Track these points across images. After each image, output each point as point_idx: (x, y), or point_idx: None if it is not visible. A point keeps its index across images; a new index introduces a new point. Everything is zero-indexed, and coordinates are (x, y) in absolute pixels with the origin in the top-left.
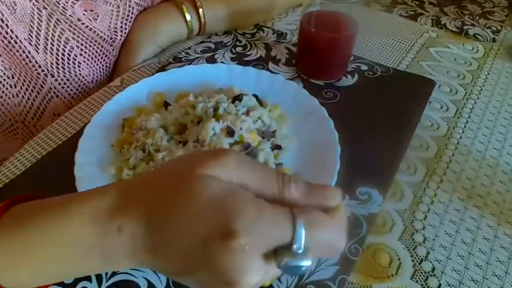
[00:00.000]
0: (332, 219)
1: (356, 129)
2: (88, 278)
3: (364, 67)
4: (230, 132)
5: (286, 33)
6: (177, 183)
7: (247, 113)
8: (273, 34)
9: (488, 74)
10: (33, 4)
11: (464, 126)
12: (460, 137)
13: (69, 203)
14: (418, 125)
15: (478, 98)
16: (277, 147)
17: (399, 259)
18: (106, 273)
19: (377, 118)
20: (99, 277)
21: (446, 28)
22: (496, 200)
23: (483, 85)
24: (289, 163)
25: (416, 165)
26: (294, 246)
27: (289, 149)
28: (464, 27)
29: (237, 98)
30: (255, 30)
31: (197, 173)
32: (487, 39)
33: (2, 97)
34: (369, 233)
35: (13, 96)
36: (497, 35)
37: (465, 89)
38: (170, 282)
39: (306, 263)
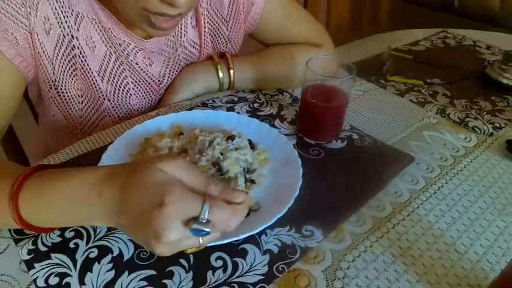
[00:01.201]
0: (229, 206)
1: (325, 182)
2: (80, 236)
3: (355, 136)
4: (214, 163)
5: (299, 99)
6: (141, 170)
7: (235, 149)
8: (289, 98)
9: (471, 161)
10: (107, 49)
11: (426, 199)
12: (417, 207)
13: (71, 173)
14: (382, 190)
15: (450, 179)
16: (251, 181)
17: (316, 285)
18: (94, 236)
19: (347, 177)
20: (88, 238)
21: (448, 117)
22: (425, 263)
23: (461, 170)
24: (255, 194)
25: (366, 220)
26: (200, 217)
27: (261, 185)
28: (466, 119)
29: (230, 138)
30: (276, 93)
31: (153, 166)
32: (485, 133)
33: (71, 109)
34: (299, 260)
35: (79, 110)
36: (497, 131)
37: (441, 170)
38: (135, 254)
39: (207, 229)
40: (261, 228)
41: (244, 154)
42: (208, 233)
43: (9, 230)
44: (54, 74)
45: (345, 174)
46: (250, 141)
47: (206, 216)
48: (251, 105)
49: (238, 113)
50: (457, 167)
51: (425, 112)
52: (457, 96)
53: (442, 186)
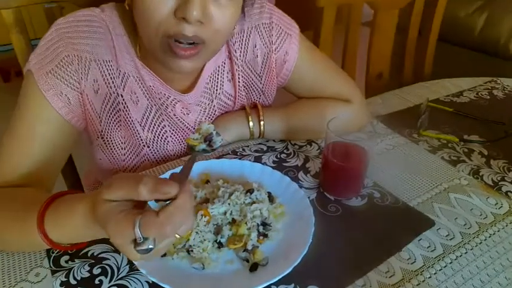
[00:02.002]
0: (161, 218)
1: (338, 241)
2: (105, 274)
3: (377, 194)
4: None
5: None
6: (97, 202)
7: (252, 203)
8: (317, 149)
9: (499, 231)
10: (149, 102)
11: (440, 269)
12: (430, 277)
13: (77, 201)
14: (394, 255)
15: (472, 249)
16: (264, 235)
17: None
18: (116, 275)
19: (361, 237)
20: (112, 276)
21: (481, 179)
22: None
23: (485, 239)
24: (266, 248)
25: (372, 285)
26: (137, 238)
27: (273, 239)
28: (501, 183)
29: (249, 191)
30: (304, 143)
31: (99, 197)
32: None
33: (115, 155)
34: None
35: (122, 155)
36: None
37: (463, 238)
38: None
39: (149, 246)
40: (265, 285)
41: (260, 208)
42: (151, 249)
43: (49, 261)
44: (101, 125)
45: (359, 234)
46: (269, 194)
47: (141, 236)
48: (278, 156)
49: (264, 163)
50: (481, 235)
51: (457, 172)
52: (494, 156)
53: (460, 255)
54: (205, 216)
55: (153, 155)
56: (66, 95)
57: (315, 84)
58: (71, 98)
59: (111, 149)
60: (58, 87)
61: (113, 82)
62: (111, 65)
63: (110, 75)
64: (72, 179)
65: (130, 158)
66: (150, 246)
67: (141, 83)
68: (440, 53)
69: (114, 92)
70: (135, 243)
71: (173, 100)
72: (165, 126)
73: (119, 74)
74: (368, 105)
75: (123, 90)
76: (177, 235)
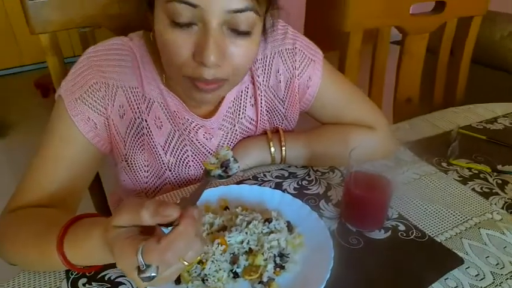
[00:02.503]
0: (162, 245)
1: (357, 276)
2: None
3: (401, 227)
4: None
5: None
6: (106, 230)
7: (269, 233)
8: (340, 177)
9: None
10: (172, 127)
11: None
12: None
13: (93, 224)
14: None
15: None
16: (281, 267)
17: None
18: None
19: (382, 273)
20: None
21: None
22: None
23: None
24: (283, 281)
25: None
26: (139, 265)
27: (290, 271)
28: None
29: (268, 220)
30: (327, 170)
31: (109, 225)
32: None
33: (138, 177)
34: None
35: (144, 178)
36: None
37: (495, 279)
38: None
39: (152, 274)
40: None
41: (278, 238)
42: (154, 277)
43: (67, 283)
44: (125, 149)
45: (380, 269)
46: (289, 224)
47: (143, 263)
48: (299, 183)
49: (285, 190)
50: None
51: (489, 205)
52: None
53: None
54: (222, 245)
55: (174, 178)
56: (93, 120)
57: (338, 110)
58: (97, 123)
59: (134, 171)
60: (86, 113)
61: (138, 107)
62: (137, 91)
63: (135, 101)
64: (99, 197)
65: (153, 180)
66: (153, 274)
67: (166, 109)
68: (473, 76)
69: (138, 117)
70: (139, 270)
71: (196, 125)
72: (187, 151)
73: (144, 99)
74: (395, 131)
75: (148, 115)
76: (185, 262)
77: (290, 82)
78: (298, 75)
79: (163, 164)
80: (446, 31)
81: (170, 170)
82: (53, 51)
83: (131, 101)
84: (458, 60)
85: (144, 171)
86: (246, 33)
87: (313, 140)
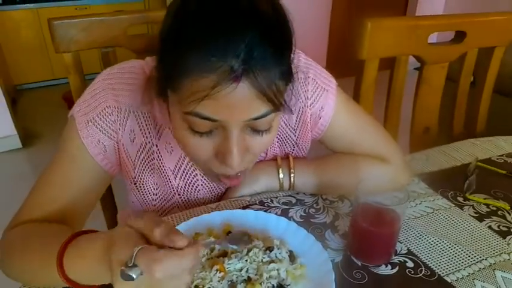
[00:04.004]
0: (158, 254)
1: None
2: None
3: (410, 264)
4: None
5: None
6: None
7: (270, 262)
8: (349, 207)
9: None
10: (182, 152)
11: None
12: None
13: (95, 236)
14: None
15: None
16: None
17: None
18: None
19: None
20: None
21: None
22: None
23: None
24: None
25: None
26: (128, 260)
27: None
28: None
29: (269, 249)
30: (336, 199)
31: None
32: None
33: (146, 200)
34: None
35: (153, 201)
36: None
37: None
38: None
39: (133, 274)
40: None
41: (277, 268)
42: (132, 278)
43: None
44: (134, 172)
45: None
46: (291, 253)
47: (133, 261)
48: (306, 210)
49: (291, 217)
50: None
51: (506, 245)
52: None
53: None
54: (220, 272)
55: (183, 202)
56: (103, 143)
57: (350, 141)
58: (107, 146)
59: (142, 194)
60: (96, 136)
61: (149, 132)
62: (148, 117)
63: (146, 126)
64: (111, 211)
65: (161, 203)
66: (133, 275)
67: None
68: (495, 106)
69: (149, 142)
70: (125, 265)
71: None
72: (196, 175)
73: (156, 125)
74: (411, 161)
75: (159, 140)
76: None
77: (302, 111)
78: (310, 105)
79: (173, 188)
80: (466, 61)
81: (179, 194)
82: (75, 69)
83: (142, 126)
84: (479, 90)
85: (153, 194)
86: (267, 130)
87: (323, 168)
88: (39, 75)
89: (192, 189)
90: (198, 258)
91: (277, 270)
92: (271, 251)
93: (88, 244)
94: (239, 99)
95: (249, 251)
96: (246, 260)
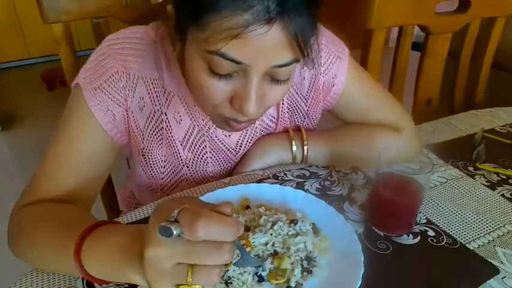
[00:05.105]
0: (200, 210)
1: (387, 283)
2: None
3: (431, 233)
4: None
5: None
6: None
7: (295, 236)
8: (363, 178)
9: None
10: (191, 122)
11: None
12: None
13: (116, 232)
14: None
15: None
16: (309, 271)
17: None
18: None
19: (414, 282)
20: None
21: None
22: None
23: None
24: (309, 286)
25: None
26: (170, 215)
27: (318, 277)
28: None
29: (293, 221)
30: (349, 171)
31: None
32: None
33: (154, 172)
34: None
35: (161, 173)
36: None
37: None
38: None
39: (173, 230)
40: None
41: (304, 241)
42: (171, 233)
43: (83, 283)
44: (143, 143)
45: (412, 278)
46: (314, 226)
47: (175, 216)
48: (322, 183)
49: (307, 190)
50: None
51: None
52: None
53: None
54: (246, 247)
55: (191, 175)
56: (112, 111)
57: (363, 110)
58: (116, 114)
59: (150, 166)
60: (105, 103)
61: (158, 100)
62: (157, 83)
63: (155, 93)
64: (108, 193)
65: (169, 176)
66: (174, 232)
67: (186, 103)
68: (492, 80)
69: (158, 110)
70: (166, 221)
71: None
72: (205, 147)
73: (164, 92)
74: (418, 132)
75: (167, 108)
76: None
77: (314, 79)
78: (323, 73)
79: (181, 159)
80: (469, 32)
81: (188, 166)
82: (66, 41)
83: (151, 93)
84: (480, 63)
85: (161, 166)
86: (285, 81)
87: (337, 140)
88: (12, 54)
89: (201, 161)
90: (239, 233)
91: (304, 243)
92: (295, 224)
93: (110, 236)
94: (269, 43)
95: (273, 224)
96: (271, 234)
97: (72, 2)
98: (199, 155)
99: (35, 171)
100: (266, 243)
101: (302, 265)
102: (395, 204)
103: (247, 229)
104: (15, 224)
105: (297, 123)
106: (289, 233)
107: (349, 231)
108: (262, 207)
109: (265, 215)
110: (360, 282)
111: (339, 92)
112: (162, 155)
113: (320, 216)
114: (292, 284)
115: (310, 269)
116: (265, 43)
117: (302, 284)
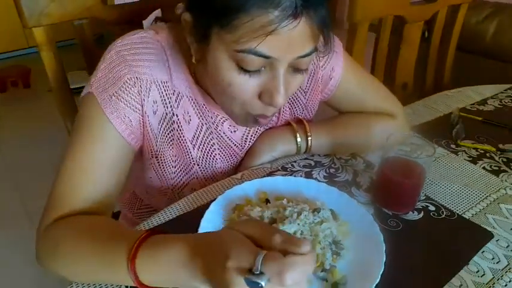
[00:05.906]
0: (285, 259)
1: (405, 256)
2: None
3: (431, 207)
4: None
5: (374, 165)
6: (219, 235)
7: (320, 223)
8: (363, 163)
9: None
10: (200, 120)
11: (510, 281)
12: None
13: (175, 239)
14: (463, 268)
15: None
16: (337, 254)
17: None
18: None
19: (426, 252)
20: None
21: None
22: None
23: None
24: (342, 267)
25: None
26: (254, 268)
27: (345, 258)
28: None
29: (316, 210)
30: (349, 157)
31: (228, 229)
32: None
33: (165, 173)
34: None
35: (172, 173)
36: None
37: None
38: None
39: (261, 281)
40: None
41: (329, 227)
42: (261, 286)
43: None
44: (156, 145)
45: (424, 248)
46: (332, 212)
47: (259, 268)
48: (327, 171)
49: (315, 178)
50: None
51: (501, 182)
52: None
53: None
54: None
55: (201, 172)
56: (129, 117)
57: (359, 100)
58: (133, 120)
59: (162, 167)
60: (122, 110)
61: (169, 102)
62: (167, 86)
63: (166, 95)
64: None
65: (180, 175)
66: (262, 283)
67: (194, 102)
68: (454, 61)
69: (169, 112)
70: (249, 273)
71: (222, 118)
72: (214, 144)
73: (174, 93)
74: None
75: (177, 109)
76: None
77: (313, 73)
78: (321, 66)
79: (192, 158)
80: (438, 19)
81: (198, 165)
82: (49, 46)
83: (163, 96)
84: (446, 46)
85: (172, 166)
86: (306, 69)
87: (336, 128)
88: None
89: (210, 158)
90: (314, 265)
91: (329, 228)
92: (318, 212)
93: (164, 248)
94: (297, 36)
95: (298, 214)
96: (299, 224)
97: (51, 3)
98: (208, 152)
99: (54, 186)
100: (295, 232)
101: (331, 249)
102: (403, 185)
103: (273, 221)
104: (49, 240)
105: (296, 115)
106: (315, 221)
107: (364, 214)
108: (285, 199)
109: (290, 207)
110: (385, 258)
111: (336, 84)
112: (173, 155)
113: (335, 202)
114: (327, 266)
115: (339, 251)
116: (293, 37)
117: (335, 266)
